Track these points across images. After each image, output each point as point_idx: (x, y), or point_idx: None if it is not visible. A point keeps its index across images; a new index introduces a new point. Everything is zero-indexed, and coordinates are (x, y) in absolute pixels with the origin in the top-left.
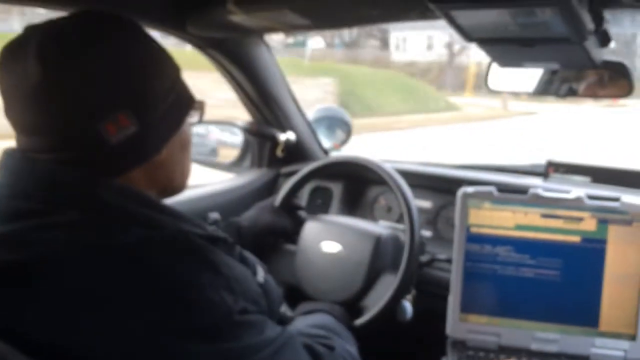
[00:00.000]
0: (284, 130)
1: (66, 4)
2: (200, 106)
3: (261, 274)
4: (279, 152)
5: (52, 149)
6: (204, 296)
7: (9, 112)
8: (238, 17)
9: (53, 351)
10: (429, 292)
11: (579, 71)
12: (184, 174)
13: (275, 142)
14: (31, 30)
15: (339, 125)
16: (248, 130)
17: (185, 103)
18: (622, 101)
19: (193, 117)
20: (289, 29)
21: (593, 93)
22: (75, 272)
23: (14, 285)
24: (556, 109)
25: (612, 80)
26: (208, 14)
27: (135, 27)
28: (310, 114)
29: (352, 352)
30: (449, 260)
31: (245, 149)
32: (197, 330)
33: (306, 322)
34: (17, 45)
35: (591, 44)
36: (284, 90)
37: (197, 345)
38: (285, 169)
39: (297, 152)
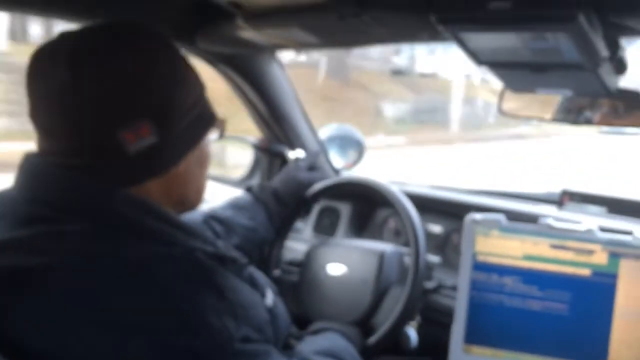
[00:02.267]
0: (294, 148)
1: (79, 16)
2: (221, 124)
3: (270, 297)
4: None
5: (72, 153)
6: (205, 320)
7: (34, 115)
8: (247, 33)
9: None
10: (435, 320)
11: (594, 99)
12: (200, 190)
13: (285, 159)
14: (64, 36)
15: (351, 144)
16: (258, 147)
17: (207, 119)
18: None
19: (213, 134)
20: (297, 46)
21: (608, 122)
22: (80, 282)
23: (15, 290)
24: (548, 133)
25: (628, 109)
26: (217, 29)
27: (165, 40)
28: (322, 132)
29: None
30: (456, 288)
31: (255, 165)
32: (196, 354)
33: (314, 347)
34: (49, 49)
35: (605, 70)
36: (295, 108)
37: None
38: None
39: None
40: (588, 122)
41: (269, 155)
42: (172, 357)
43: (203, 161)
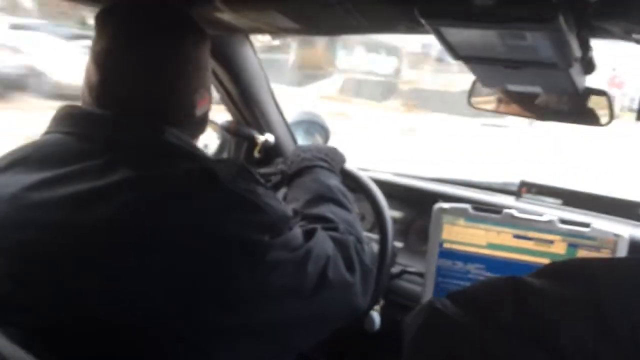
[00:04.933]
0: (262, 131)
1: None
2: None
3: None
4: (256, 153)
5: (150, 112)
6: (262, 201)
7: (104, 72)
8: (225, 15)
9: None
10: (398, 303)
11: (560, 96)
12: None
13: (253, 142)
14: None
15: (317, 130)
16: (226, 129)
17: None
18: (503, 122)
19: None
20: (276, 31)
21: (573, 119)
22: (149, 191)
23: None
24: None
25: (592, 109)
26: (195, 10)
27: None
28: (289, 117)
29: (348, 220)
30: (419, 274)
31: (222, 147)
32: (262, 226)
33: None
34: (148, 23)
35: (576, 70)
36: (265, 92)
37: (261, 236)
38: (261, 170)
39: (274, 155)
40: (553, 118)
41: (237, 137)
42: (250, 231)
43: None
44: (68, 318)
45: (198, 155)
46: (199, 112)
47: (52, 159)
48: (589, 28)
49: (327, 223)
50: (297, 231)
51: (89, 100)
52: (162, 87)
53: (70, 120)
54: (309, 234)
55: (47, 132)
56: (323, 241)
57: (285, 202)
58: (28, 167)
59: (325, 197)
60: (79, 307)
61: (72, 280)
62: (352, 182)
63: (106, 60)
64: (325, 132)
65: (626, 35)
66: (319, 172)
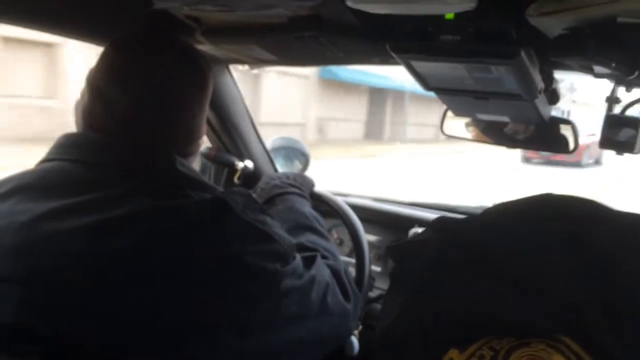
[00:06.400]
0: (242, 158)
1: (51, 27)
2: None
3: None
4: (235, 179)
5: (135, 135)
6: (273, 230)
7: (112, 104)
8: (205, 47)
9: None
10: (376, 327)
11: (528, 125)
12: None
13: (232, 169)
14: (135, 40)
15: (296, 155)
16: (206, 156)
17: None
18: (460, 147)
19: None
20: (254, 62)
21: (539, 147)
22: (166, 223)
23: (104, 239)
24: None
25: (558, 137)
26: None
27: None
28: (268, 143)
29: (327, 247)
30: None
31: (202, 173)
32: (275, 255)
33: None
34: (146, 50)
35: (541, 101)
36: (245, 119)
37: (274, 266)
38: None
39: (254, 181)
40: (520, 146)
41: (217, 164)
42: (256, 259)
43: None
44: (87, 346)
45: (208, 185)
46: (202, 140)
47: (61, 187)
48: (551, 62)
49: (309, 252)
50: (299, 259)
51: (86, 125)
52: (172, 113)
53: (74, 147)
54: (308, 261)
55: (47, 160)
56: (322, 268)
57: None
58: (34, 195)
59: (303, 225)
60: (99, 335)
61: (92, 311)
62: (325, 205)
63: (109, 86)
64: (305, 158)
65: (584, 69)
66: (291, 199)
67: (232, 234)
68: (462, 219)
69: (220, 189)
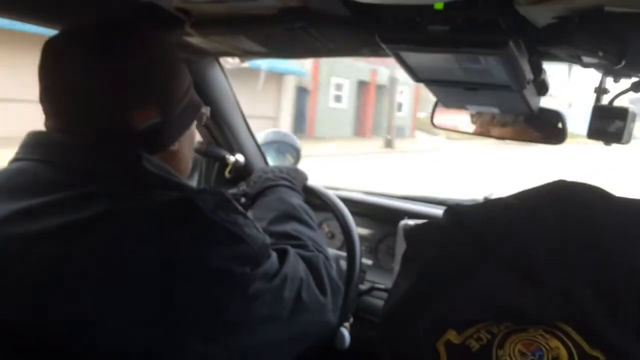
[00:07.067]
0: (233, 152)
1: (37, 19)
2: (204, 112)
3: None
4: (226, 174)
5: (90, 134)
6: (243, 231)
7: (50, 99)
8: (194, 39)
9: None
10: (367, 320)
11: (517, 116)
12: (187, 167)
13: (224, 163)
14: (80, 31)
15: (288, 149)
16: (197, 150)
17: (196, 106)
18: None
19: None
20: (244, 54)
21: (529, 138)
22: (131, 227)
23: (66, 244)
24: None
25: (547, 127)
26: (164, 34)
27: (162, 38)
28: (260, 137)
29: (312, 237)
30: (388, 290)
31: (193, 168)
32: (245, 258)
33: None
34: (68, 43)
35: (529, 92)
36: (235, 113)
37: (243, 269)
38: (231, 191)
39: (245, 175)
40: (511, 136)
41: (208, 158)
42: (225, 261)
43: (192, 142)
44: (47, 348)
45: (177, 184)
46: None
47: (26, 188)
48: (539, 53)
49: (293, 240)
50: (274, 257)
51: (53, 125)
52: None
53: (40, 147)
54: (281, 256)
55: (16, 159)
56: (295, 263)
57: None
58: (2, 196)
59: (290, 215)
60: (57, 339)
61: (56, 313)
62: (317, 198)
63: (69, 85)
64: (296, 152)
65: (572, 59)
66: (282, 190)
67: (198, 235)
68: (475, 205)
69: (192, 187)
